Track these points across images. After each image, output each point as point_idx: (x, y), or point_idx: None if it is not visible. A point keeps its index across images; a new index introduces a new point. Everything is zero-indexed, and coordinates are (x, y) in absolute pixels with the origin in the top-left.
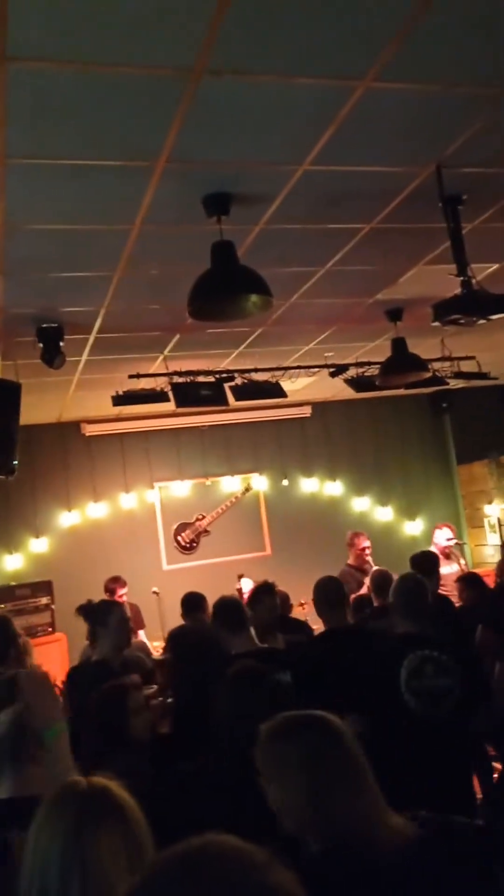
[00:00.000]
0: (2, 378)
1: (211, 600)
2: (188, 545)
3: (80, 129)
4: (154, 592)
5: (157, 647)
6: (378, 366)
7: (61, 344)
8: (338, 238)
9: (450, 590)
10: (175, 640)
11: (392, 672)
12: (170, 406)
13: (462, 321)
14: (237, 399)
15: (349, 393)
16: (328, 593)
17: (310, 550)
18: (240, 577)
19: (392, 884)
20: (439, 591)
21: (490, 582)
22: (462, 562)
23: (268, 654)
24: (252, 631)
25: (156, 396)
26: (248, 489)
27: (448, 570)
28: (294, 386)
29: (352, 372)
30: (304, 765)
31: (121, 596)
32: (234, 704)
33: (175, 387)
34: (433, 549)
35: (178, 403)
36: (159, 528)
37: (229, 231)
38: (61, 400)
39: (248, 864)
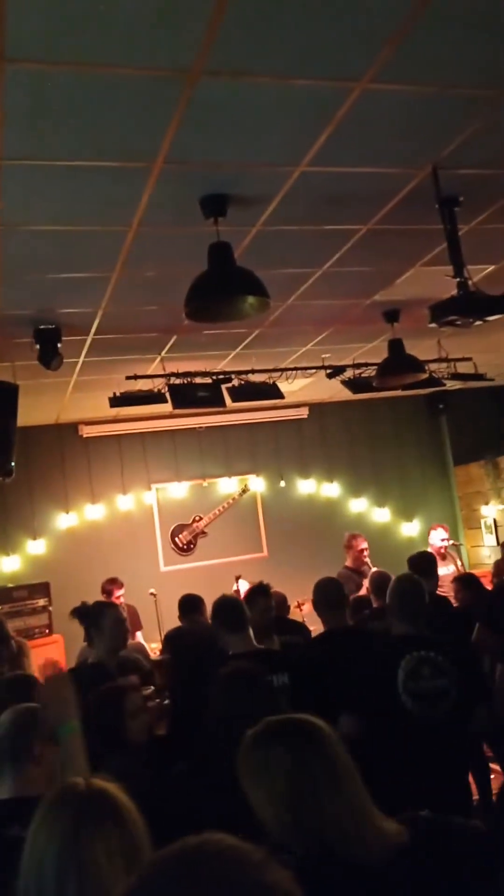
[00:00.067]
0: None
1: (208, 602)
2: (185, 547)
3: (78, 129)
4: (151, 594)
5: (154, 649)
6: (375, 367)
7: (59, 345)
8: (335, 239)
9: (446, 590)
10: (172, 641)
11: (390, 673)
12: (167, 407)
13: (458, 322)
14: (234, 400)
15: (346, 394)
16: (328, 594)
17: (307, 552)
18: (237, 578)
19: (376, 890)
20: (437, 591)
21: (487, 583)
22: (458, 563)
23: (265, 655)
24: (251, 631)
25: (153, 398)
26: (245, 490)
27: (444, 570)
28: (291, 387)
29: (349, 373)
30: (284, 771)
31: (118, 597)
32: (226, 705)
33: (172, 388)
34: (429, 549)
35: (176, 405)
36: (157, 530)
37: (226, 232)
38: (59, 401)
39: (245, 863)
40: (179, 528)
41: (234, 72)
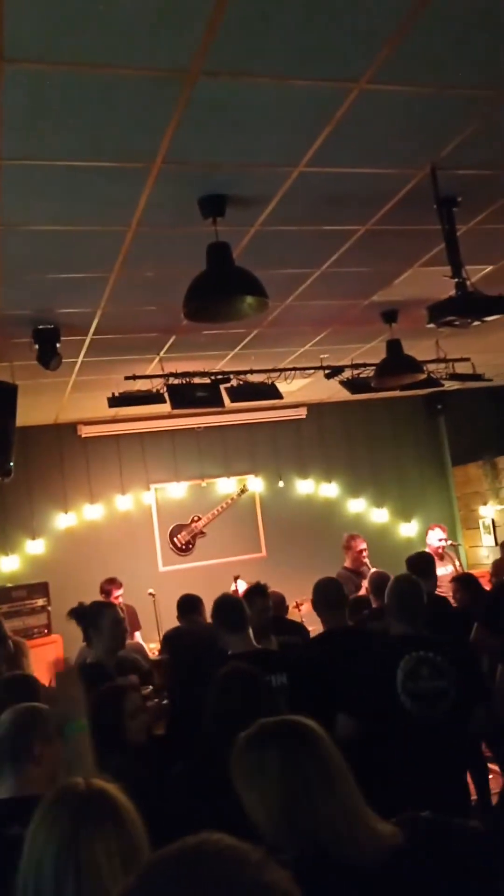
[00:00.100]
0: None
1: (207, 602)
2: (184, 547)
3: (77, 130)
4: (150, 594)
5: (152, 649)
6: (373, 367)
7: (58, 345)
8: (333, 240)
9: (444, 591)
10: (170, 641)
11: (389, 673)
12: (166, 408)
13: (457, 323)
14: (233, 400)
15: (344, 394)
16: (328, 595)
17: (305, 552)
18: (236, 578)
19: (369, 891)
20: (436, 591)
21: (485, 583)
22: (457, 563)
23: (264, 656)
24: (251, 631)
25: (152, 398)
26: (243, 491)
27: (443, 571)
28: (290, 387)
29: (347, 374)
30: (277, 772)
31: (117, 597)
32: (223, 706)
33: (171, 388)
34: (428, 550)
35: (174, 405)
36: (155, 530)
37: (225, 232)
38: (58, 401)
39: (244, 863)
40: (178, 529)
41: (232, 72)
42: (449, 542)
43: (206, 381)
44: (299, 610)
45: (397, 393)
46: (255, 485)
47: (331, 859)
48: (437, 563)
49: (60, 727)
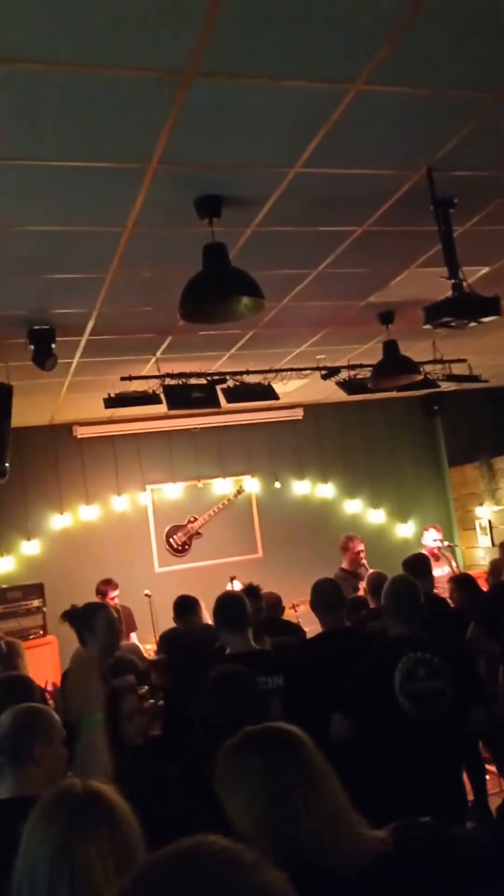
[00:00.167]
0: None
1: (203, 603)
2: (180, 547)
3: (72, 130)
4: (146, 595)
5: (148, 650)
6: (370, 368)
7: (53, 346)
8: (329, 240)
9: (441, 591)
10: (167, 642)
11: (387, 674)
12: (162, 408)
13: (453, 324)
14: (229, 401)
15: (341, 395)
16: (326, 595)
17: (302, 553)
18: (232, 579)
19: None
20: (433, 592)
21: (482, 583)
22: (453, 563)
23: (262, 656)
24: (250, 631)
25: (148, 399)
26: (240, 491)
27: (439, 571)
28: (286, 388)
29: (343, 374)
30: (259, 779)
31: (112, 598)
32: (214, 708)
33: (167, 389)
34: (423, 551)
35: (171, 406)
36: (151, 531)
37: (221, 233)
38: (53, 402)
39: (239, 864)
40: (174, 529)
41: (228, 73)
42: (446, 543)
43: (203, 381)
44: (296, 611)
45: (394, 394)
46: (252, 486)
47: (313, 866)
48: (433, 563)
49: (76, 722)
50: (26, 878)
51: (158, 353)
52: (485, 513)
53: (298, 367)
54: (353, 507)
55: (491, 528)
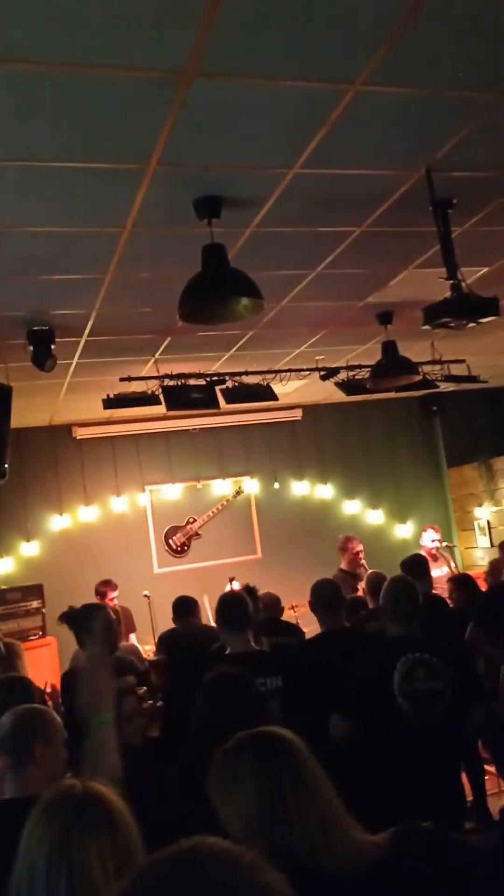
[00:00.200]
0: None
1: (201, 603)
2: (179, 548)
3: (71, 130)
4: (145, 596)
5: (147, 651)
6: (368, 369)
7: (52, 347)
8: (328, 241)
9: (440, 592)
10: (166, 643)
11: (386, 675)
12: (161, 409)
13: (452, 324)
14: (228, 402)
15: (340, 396)
16: (325, 596)
17: (301, 553)
18: (231, 580)
19: None
20: (433, 592)
21: (481, 584)
22: (452, 564)
23: (261, 657)
24: (250, 632)
25: (147, 399)
26: (239, 492)
27: (438, 572)
28: (285, 389)
29: (342, 375)
30: (251, 784)
31: (111, 599)
32: (210, 710)
33: (166, 390)
34: (422, 551)
35: (169, 406)
36: (150, 532)
37: (220, 234)
38: (52, 403)
39: (238, 865)
40: (173, 530)
41: (228, 73)
42: (444, 543)
43: (202, 382)
44: (294, 612)
45: (393, 394)
46: (251, 486)
47: (306, 871)
48: (432, 563)
49: (86, 720)
50: (25, 878)
51: (157, 354)
52: (483, 513)
53: (297, 367)
54: (352, 507)
55: (490, 528)
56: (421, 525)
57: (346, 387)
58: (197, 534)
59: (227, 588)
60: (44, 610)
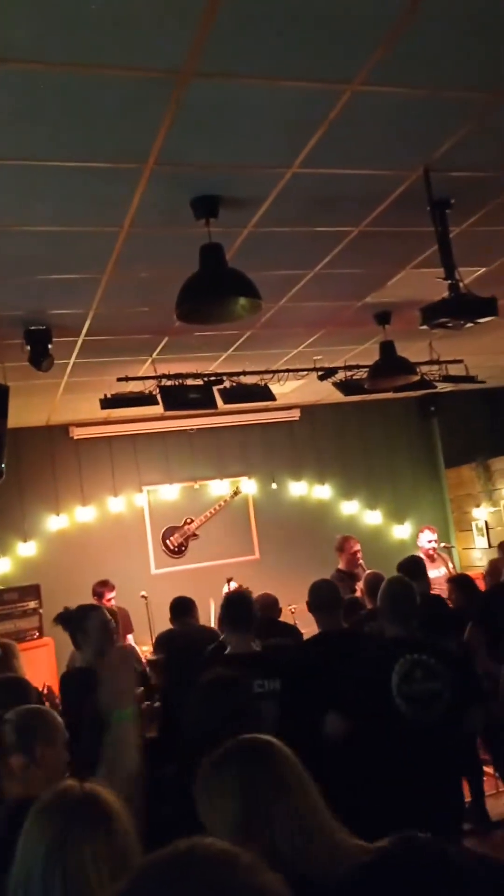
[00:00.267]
0: None
1: (200, 604)
2: (177, 549)
3: (69, 130)
4: (142, 596)
5: (145, 652)
6: (366, 369)
7: (49, 346)
8: (326, 241)
9: (439, 592)
10: (163, 643)
11: (384, 676)
12: (158, 409)
13: (450, 325)
14: (226, 402)
15: (338, 396)
16: (323, 596)
17: (299, 554)
18: (228, 580)
19: None
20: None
21: (479, 583)
22: (450, 564)
23: (259, 658)
24: (251, 632)
25: (144, 399)
26: (236, 493)
27: (436, 573)
28: (283, 389)
29: (340, 375)
30: (234, 790)
31: (109, 600)
32: (203, 712)
33: (163, 390)
34: (419, 552)
35: (167, 406)
36: (148, 532)
37: (218, 234)
38: (49, 403)
39: (235, 866)
40: (171, 531)
41: (225, 73)
42: (442, 544)
43: (199, 382)
44: (293, 613)
45: (390, 395)
46: (248, 487)
47: (290, 876)
48: (429, 564)
49: (105, 715)
50: (22, 879)
51: (155, 354)
52: (481, 514)
53: (295, 367)
54: (350, 508)
55: (487, 529)
56: (419, 526)
57: (344, 387)
58: (194, 534)
59: (225, 589)
60: (41, 610)
